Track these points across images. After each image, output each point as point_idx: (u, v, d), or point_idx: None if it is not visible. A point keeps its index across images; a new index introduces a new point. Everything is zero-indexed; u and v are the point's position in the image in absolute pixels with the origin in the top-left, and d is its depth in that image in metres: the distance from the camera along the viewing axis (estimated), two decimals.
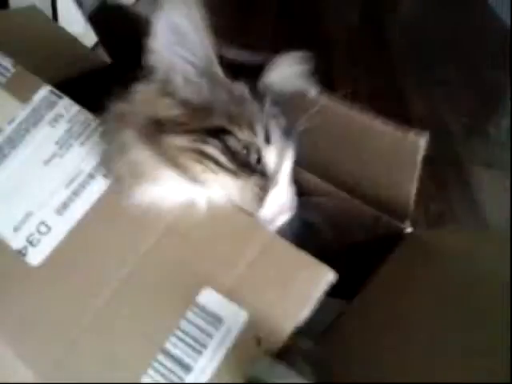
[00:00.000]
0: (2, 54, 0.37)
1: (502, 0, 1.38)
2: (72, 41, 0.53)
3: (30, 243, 0.29)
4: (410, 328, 0.25)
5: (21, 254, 0.29)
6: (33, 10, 0.58)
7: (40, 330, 0.27)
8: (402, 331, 0.25)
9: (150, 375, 0.25)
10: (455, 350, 0.23)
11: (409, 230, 0.38)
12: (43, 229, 0.30)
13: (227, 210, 0.28)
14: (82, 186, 0.30)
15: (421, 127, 0.76)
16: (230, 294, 0.25)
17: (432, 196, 0.77)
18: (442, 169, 0.83)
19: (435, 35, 1.29)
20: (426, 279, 0.29)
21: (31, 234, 0.29)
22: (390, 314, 0.27)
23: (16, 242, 0.29)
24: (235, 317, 0.25)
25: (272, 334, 0.24)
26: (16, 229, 0.30)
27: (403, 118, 0.94)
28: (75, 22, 0.93)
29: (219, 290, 0.25)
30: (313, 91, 0.33)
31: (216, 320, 0.25)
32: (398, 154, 0.33)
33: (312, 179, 0.39)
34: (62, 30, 0.56)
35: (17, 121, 0.34)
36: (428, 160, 0.73)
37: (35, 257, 0.29)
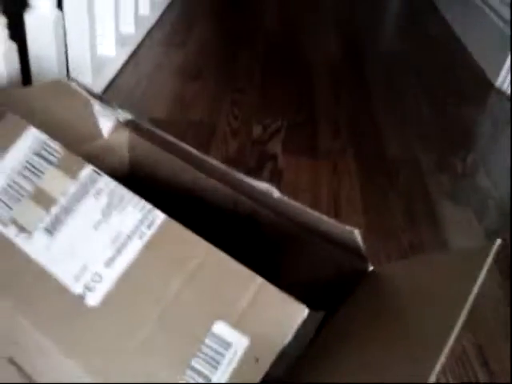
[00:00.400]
0: (49, 138, 0.48)
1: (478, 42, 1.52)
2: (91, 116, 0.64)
3: (88, 289, 0.40)
4: (361, 349, 0.36)
5: (81, 297, 0.40)
6: (58, 83, 0.68)
7: (98, 354, 0.38)
8: (355, 354, 0.36)
9: None
10: (391, 359, 0.34)
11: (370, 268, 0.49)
12: (96, 278, 0.40)
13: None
14: (123, 244, 0.41)
15: (395, 164, 0.92)
16: (236, 326, 0.36)
17: (403, 229, 0.88)
18: (413, 203, 0.95)
19: (410, 76, 1.42)
20: (375, 307, 0.40)
21: (88, 282, 0.40)
22: (346, 345, 0.38)
23: (77, 289, 0.40)
24: (240, 342, 0.35)
25: (265, 354, 0.34)
26: (76, 278, 0.40)
27: (379, 155, 1.09)
28: (85, 71, 1.05)
29: (228, 322, 0.36)
30: None
31: (227, 344, 0.36)
32: None
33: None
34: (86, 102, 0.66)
35: (69, 193, 0.45)
36: (400, 194, 0.88)
37: (92, 299, 0.39)
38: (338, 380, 0.35)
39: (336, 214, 0.86)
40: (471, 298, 0.34)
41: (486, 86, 1.45)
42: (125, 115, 0.53)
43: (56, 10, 0.86)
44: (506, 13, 1.50)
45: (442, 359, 0.30)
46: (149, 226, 0.42)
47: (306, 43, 1.52)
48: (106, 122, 0.55)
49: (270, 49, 1.46)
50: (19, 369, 0.47)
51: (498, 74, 1.43)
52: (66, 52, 0.96)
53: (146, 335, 0.37)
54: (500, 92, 1.42)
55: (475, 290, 0.34)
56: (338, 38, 1.58)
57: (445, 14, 1.94)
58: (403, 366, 0.34)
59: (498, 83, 1.44)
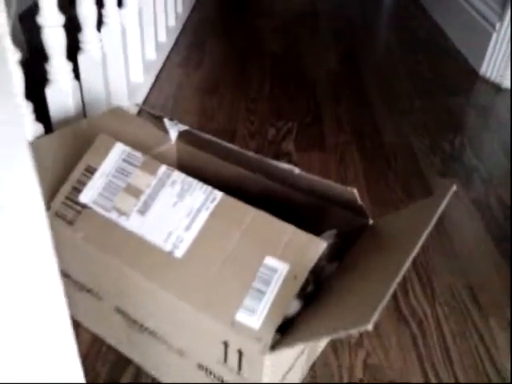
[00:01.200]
0: (131, 148, 0.67)
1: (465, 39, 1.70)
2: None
3: (175, 247, 0.59)
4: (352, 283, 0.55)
5: (171, 252, 0.58)
6: (116, 109, 0.87)
7: (186, 286, 0.56)
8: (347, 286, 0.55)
9: (246, 303, 0.53)
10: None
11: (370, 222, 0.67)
12: (179, 239, 0.59)
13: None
14: (195, 215, 0.60)
15: (392, 149, 1.16)
16: (280, 258, 0.54)
17: (403, 201, 1.06)
18: (410, 181, 1.12)
19: (402, 73, 1.60)
20: (369, 253, 0.59)
21: (174, 243, 0.59)
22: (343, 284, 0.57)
23: (167, 248, 0.59)
24: (283, 267, 0.54)
25: (300, 273, 0.53)
26: (165, 241, 0.59)
27: (378, 144, 1.30)
28: (122, 97, 1.24)
29: (275, 256, 0.55)
30: None
31: (274, 270, 0.54)
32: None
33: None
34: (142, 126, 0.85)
35: (151, 185, 0.63)
36: (398, 174, 1.11)
37: (178, 253, 0.58)
38: (332, 301, 0.53)
39: None
40: (425, 233, 0.51)
41: (470, 73, 1.63)
42: (182, 127, 0.72)
43: (101, 52, 1.06)
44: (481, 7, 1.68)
45: (401, 272, 0.47)
46: (212, 201, 0.60)
47: (308, 59, 1.71)
48: (174, 132, 0.74)
49: (276, 64, 1.65)
50: (125, 315, 0.66)
51: (481, 63, 1.61)
52: (107, 83, 1.16)
53: (215, 272, 0.56)
54: (484, 79, 1.60)
55: (429, 227, 0.52)
56: (336, 53, 1.77)
57: (431, 13, 2.12)
58: (374, 286, 0.51)
59: (481, 71, 1.62)
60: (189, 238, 0.59)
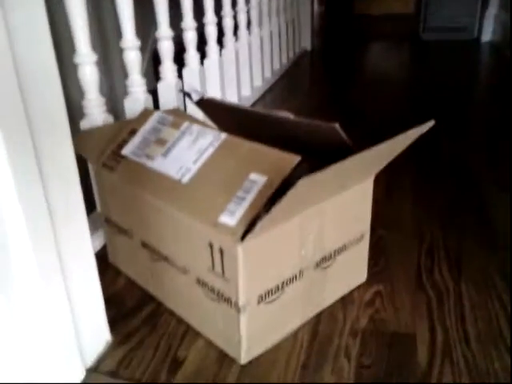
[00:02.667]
0: (165, 112, 0.81)
1: None
2: None
3: (183, 176, 0.69)
4: None
5: (179, 180, 0.69)
6: (177, 109, 1.04)
7: (191, 203, 0.66)
8: None
9: (229, 207, 0.61)
10: None
11: None
12: (187, 170, 0.69)
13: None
14: (203, 152, 0.70)
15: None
16: (262, 174, 0.62)
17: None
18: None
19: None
20: None
21: (183, 172, 0.69)
22: None
23: (177, 176, 0.69)
24: (262, 179, 0.62)
25: (275, 181, 0.60)
26: (176, 172, 0.70)
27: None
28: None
29: (258, 172, 0.63)
30: None
31: (255, 182, 0.62)
32: None
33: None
34: None
35: (175, 136, 0.76)
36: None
37: (185, 180, 0.68)
38: None
39: None
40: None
41: None
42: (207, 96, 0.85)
43: (177, 79, 1.26)
44: None
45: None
46: (217, 140, 0.71)
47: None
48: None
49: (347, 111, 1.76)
50: (148, 248, 0.76)
51: None
52: None
53: (209, 190, 0.65)
54: None
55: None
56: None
57: None
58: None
59: None
60: (194, 168, 0.69)
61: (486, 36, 2.82)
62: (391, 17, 3.42)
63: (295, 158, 0.62)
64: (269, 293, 0.65)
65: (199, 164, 0.69)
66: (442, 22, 3.00)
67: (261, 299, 0.64)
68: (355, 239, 0.76)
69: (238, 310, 0.63)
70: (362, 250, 0.79)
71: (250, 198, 0.61)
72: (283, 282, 0.66)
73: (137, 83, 1.10)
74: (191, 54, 1.38)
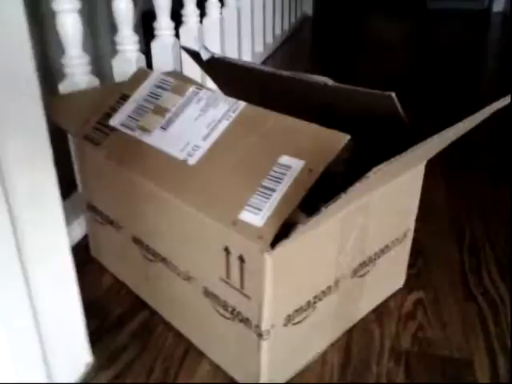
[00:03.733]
0: (165, 73, 0.65)
1: None
2: None
3: (189, 155, 0.54)
4: None
5: (185, 161, 0.54)
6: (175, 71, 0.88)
7: (197, 190, 0.51)
8: None
9: (253, 201, 0.46)
10: None
11: None
12: (195, 148, 0.54)
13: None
14: (215, 125, 0.55)
15: None
16: (295, 156, 0.47)
17: None
18: None
19: None
20: None
21: (189, 152, 0.54)
22: None
23: (181, 156, 0.54)
24: (298, 164, 0.46)
25: (317, 166, 0.45)
26: (181, 150, 0.55)
27: None
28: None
29: (290, 155, 0.48)
30: None
31: (288, 167, 0.47)
32: None
33: None
34: None
35: (178, 104, 0.60)
36: None
37: (192, 161, 0.53)
38: None
39: None
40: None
41: None
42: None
43: (175, 38, 1.09)
44: None
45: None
46: (234, 111, 0.55)
47: None
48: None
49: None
50: (141, 244, 0.61)
51: None
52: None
53: (224, 176, 0.50)
54: None
55: None
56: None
57: None
58: None
59: None
60: (205, 146, 0.54)
61: (498, 6, 2.65)
62: None
63: (343, 137, 0.46)
64: (298, 311, 0.51)
65: (210, 141, 0.54)
66: None
67: (288, 320, 0.50)
68: (399, 238, 0.62)
69: (260, 335, 0.48)
70: (404, 250, 0.65)
71: (281, 189, 0.46)
72: (315, 297, 0.52)
73: (128, 40, 0.93)
74: (190, 10, 1.20)
